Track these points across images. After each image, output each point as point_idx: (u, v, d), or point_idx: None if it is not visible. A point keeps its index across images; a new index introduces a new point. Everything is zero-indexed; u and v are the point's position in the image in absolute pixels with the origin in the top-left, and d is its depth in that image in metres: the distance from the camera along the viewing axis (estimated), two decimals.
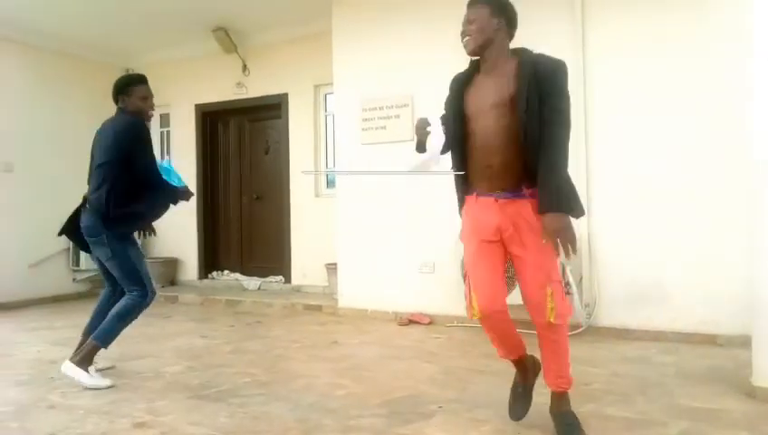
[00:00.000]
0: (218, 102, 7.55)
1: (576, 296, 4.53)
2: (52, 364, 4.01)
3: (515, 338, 2.66)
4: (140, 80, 3.68)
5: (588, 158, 4.70)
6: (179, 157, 7.90)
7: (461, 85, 2.66)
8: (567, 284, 4.55)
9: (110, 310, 3.61)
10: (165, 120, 8.03)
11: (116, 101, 3.66)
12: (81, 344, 3.64)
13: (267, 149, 7.56)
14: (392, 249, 5.51)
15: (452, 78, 2.73)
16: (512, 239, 2.48)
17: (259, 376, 3.65)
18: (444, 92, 5.59)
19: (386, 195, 5.51)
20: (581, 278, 4.67)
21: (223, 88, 7.42)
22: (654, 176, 4.50)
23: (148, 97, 3.66)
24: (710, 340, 4.24)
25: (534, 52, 2.51)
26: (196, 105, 7.72)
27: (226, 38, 6.94)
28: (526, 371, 2.73)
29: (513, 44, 2.54)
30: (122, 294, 3.61)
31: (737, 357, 3.71)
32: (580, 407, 2.94)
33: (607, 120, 4.67)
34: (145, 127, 3.62)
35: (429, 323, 5.16)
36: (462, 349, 4.31)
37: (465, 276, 2.66)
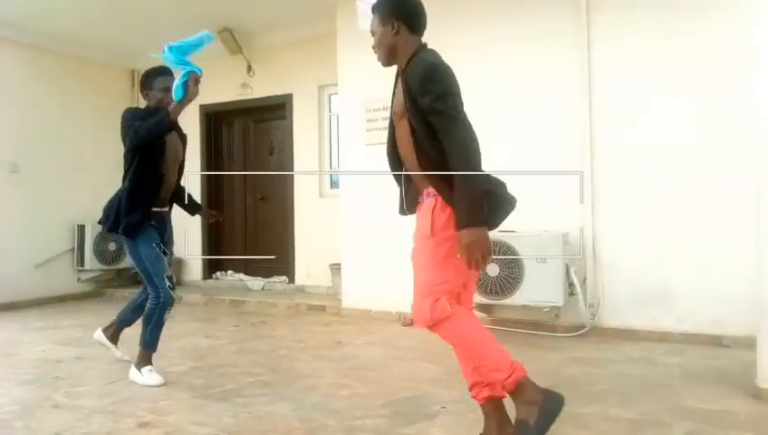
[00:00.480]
0: (223, 103, 7.56)
1: (580, 297, 4.52)
2: (57, 364, 4.03)
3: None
4: (163, 71, 3.65)
5: (592, 158, 4.69)
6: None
7: (393, 88, 2.50)
8: (571, 284, 4.55)
9: (138, 303, 3.90)
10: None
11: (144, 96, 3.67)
12: (110, 324, 4.01)
13: (272, 150, 7.57)
14: (396, 249, 5.50)
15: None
16: None
17: (263, 376, 3.66)
18: None
19: (389, 195, 5.48)
20: (585, 279, 4.66)
21: (228, 89, 7.43)
22: (658, 176, 4.49)
23: (169, 88, 3.50)
24: (716, 341, 4.22)
25: (423, 54, 2.33)
26: (201, 106, 7.72)
27: (232, 39, 6.96)
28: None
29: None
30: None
31: (743, 358, 3.69)
32: (584, 408, 2.95)
33: (611, 120, 4.65)
34: (130, 112, 3.54)
35: None
36: None
37: None
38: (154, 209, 3.57)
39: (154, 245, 3.54)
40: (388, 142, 2.55)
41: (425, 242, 2.32)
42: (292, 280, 7.11)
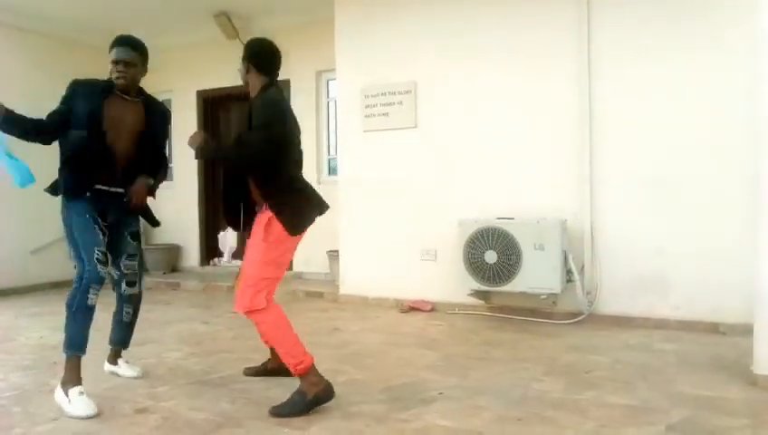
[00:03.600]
0: (220, 88, 7.50)
1: (578, 284, 4.53)
2: (55, 349, 4.01)
3: None
4: (114, 42, 3.16)
5: (591, 147, 4.68)
6: (180, 143, 7.88)
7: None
8: (569, 271, 4.55)
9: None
10: (166, 106, 8.00)
11: None
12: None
13: None
14: (394, 236, 5.50)
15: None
16: None
17: (260, 362, 3.66)
18: (446, 79, 5.57)
19: (388, 182, 5.49)
20: (583, 266, 4.66)
21: (225, 74, 7.33)
22: (656, 164, 4.48)
23: (116, 61, 3.10)
24: (712, 328, 4.23)
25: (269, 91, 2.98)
26: (198, 91, 7.69)
27: (228, 24, 6.89)
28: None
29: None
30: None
31: (739, 345, 3.71)
32: (581, 394, 2.96)
33: (610, 110, 4.63)
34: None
35: (431, 311, 5.16)
36: (463, 336, 4.31)
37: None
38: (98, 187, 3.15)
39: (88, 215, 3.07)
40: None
41: (259, 244, 2.82)
42: (289, 267, 7.09)
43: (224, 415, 2.77)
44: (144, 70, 3.23)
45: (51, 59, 7.04)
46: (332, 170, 6.76)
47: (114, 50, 3.15)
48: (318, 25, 6.44)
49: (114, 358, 3.50)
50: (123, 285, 3.30)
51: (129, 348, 3.64)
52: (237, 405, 2.90)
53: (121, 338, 3.48)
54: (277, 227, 2.79)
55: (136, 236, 3.30)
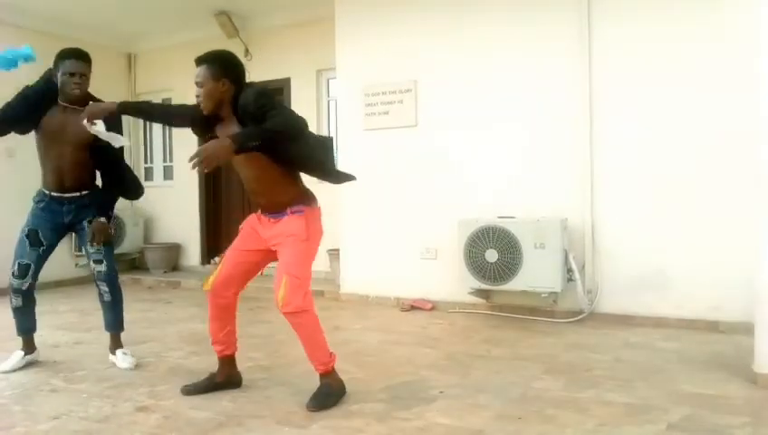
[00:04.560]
0: None
1: (579, 282, 4.53)
2: (55, 348, 4.03)
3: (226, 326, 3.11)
4: (68, 54, 3.58)
5: (591, 145, 4.67)
6: (181, 142, 7.88)
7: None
8: (569, 270, 4.55)
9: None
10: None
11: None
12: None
13: None
14: (395, 235, 5.50)
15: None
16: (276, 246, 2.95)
17: (261, 361, 3.67)
18: (447, 78, 5.56)
19: (388, 181, 5.49)
20: (584, 265, 4.66)
21: None
22: (657, 163, 4.48)
23: (74, 73, 3.52)
24: (712, 326, 4.23)
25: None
26: None
27: (229, 22, 6.89)
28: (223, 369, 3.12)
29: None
30: None
31: (739, 344, 3.71)
32: (581, 392, 2.96)
33: (610, 108, 4.63)
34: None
35: (431, 309, 5.16)
36: (464, 334, 4.31)
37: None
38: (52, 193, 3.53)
39: (25, 228, 3.54)
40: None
41: (299, 243, 2.87)
42: None
43: (225, 414, 2.78)
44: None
45: (51, 59, 7.03)
46: None
47: (68, 62, 3.51)
48: (318, 24, 6.43)
49: (113, 347, 3.65)
50: (92, 265, 3.56)
51: (130, 346, 3.64)
52: (238, 404, 2.91)
53: (109, 321, 3.66)
54: (315, 224, 3.02)
55: None
